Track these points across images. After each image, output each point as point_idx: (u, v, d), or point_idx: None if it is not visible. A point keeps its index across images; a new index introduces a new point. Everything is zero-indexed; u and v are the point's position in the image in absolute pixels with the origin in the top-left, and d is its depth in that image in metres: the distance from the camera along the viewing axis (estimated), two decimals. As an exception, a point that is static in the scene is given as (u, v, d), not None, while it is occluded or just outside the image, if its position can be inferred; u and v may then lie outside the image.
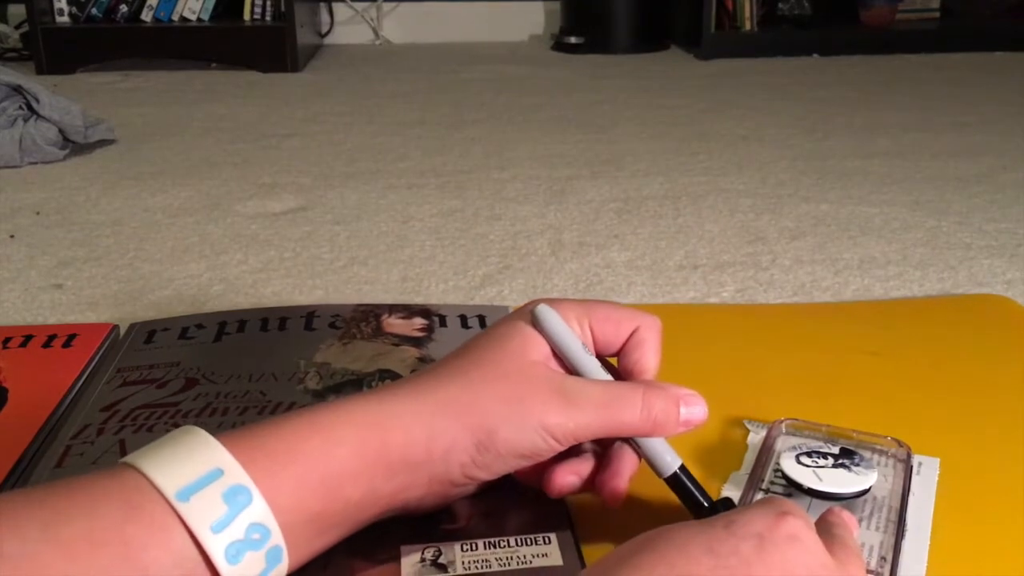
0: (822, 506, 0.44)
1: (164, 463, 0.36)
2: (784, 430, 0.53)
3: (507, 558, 0.43)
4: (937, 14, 2.47)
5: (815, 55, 2.26)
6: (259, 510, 0.36)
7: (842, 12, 2.41)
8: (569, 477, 0.45)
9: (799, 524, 0.35)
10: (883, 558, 0.43)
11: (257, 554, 0.36)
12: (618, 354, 0.47)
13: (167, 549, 0.34)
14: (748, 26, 2.32)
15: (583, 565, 0.43)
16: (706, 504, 0.44)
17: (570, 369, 0.45)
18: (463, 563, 0.43)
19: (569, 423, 0.42)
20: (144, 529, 0.34)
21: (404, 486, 0.41)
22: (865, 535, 0.45)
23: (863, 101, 1.72)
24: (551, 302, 0.46)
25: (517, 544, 0.44)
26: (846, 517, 0.39)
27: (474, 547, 0.44)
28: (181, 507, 0.35)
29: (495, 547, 0.44)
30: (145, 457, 0.36)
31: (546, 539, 0.45)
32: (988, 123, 1.51)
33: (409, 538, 0.44)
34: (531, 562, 0.43)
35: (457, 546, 0.44)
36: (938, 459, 0.52)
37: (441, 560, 0.43)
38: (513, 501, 0.47)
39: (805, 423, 0.53)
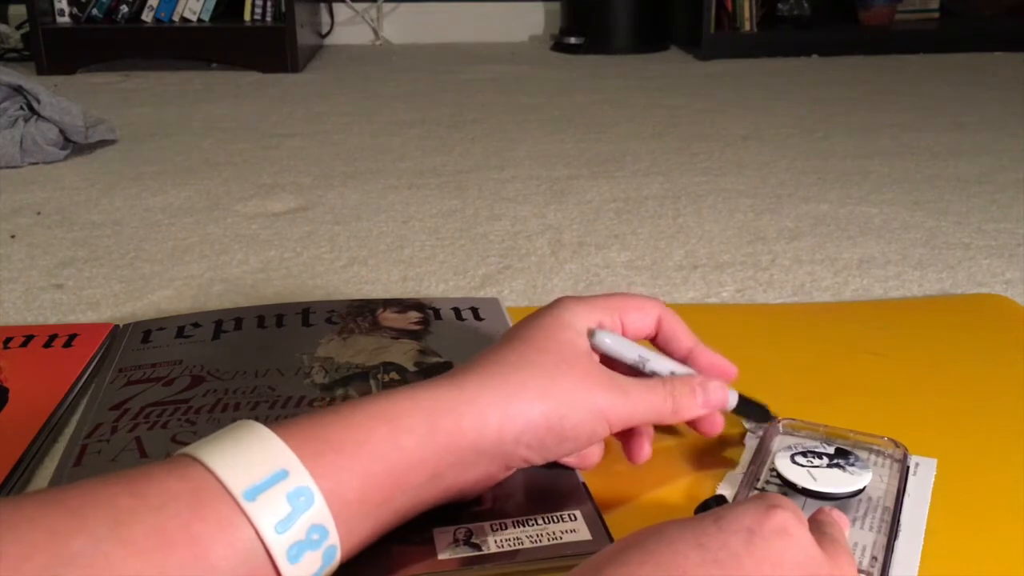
0: (816, 506, 0.44)
1: (230, 460, 0.36)
2: (781, 429, 0.53)
3: (537, 535, 0.45)
4: (937, 14, 2.47)
5: (815, 55, 2.26)
6: (320, 511, 0.37)
7: (842, 12, 2.41)
8: (648, 446, 0.49)
9: (789, 518, 0.35)
10: (874, 558, 0.43)
11: (315, 554, 0.36)
12: (655, 340, 0.52)
13: (234, 548, 0.34)
14: (748, 26, 2.32)
15: (610, 538, 0.45)
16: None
17: (632, 372, 0.48)
18: (495, 542, 0.44)
19: (623, 411, 0.46)
20: (212, 527, 0.34)
21: (465, 469, 0.42)
22: (858, 535, 0.45)
23: (863, 101, 1.72)
24: (579, 301, 0.48)
25: (545, 522, 0.46)
26: (837, 516, 0.40)
27: (503, 526, 0.45)
28: (248, 507, 0.35)
29: (524, 525, 0.45)
30: (209, 453, 0.36)
31: (572, 516, 0.46)
32: (988, 123, 1.51)
33: (440, 521, 0.45)
34: (561, 538, 0.44)
35: (487, 526, 0.45)
36: (935, 460, 0.52)
37: (474, 540, 0.44)
38: (530, 482, 0.49)
39: (802, 423, 0.53)
